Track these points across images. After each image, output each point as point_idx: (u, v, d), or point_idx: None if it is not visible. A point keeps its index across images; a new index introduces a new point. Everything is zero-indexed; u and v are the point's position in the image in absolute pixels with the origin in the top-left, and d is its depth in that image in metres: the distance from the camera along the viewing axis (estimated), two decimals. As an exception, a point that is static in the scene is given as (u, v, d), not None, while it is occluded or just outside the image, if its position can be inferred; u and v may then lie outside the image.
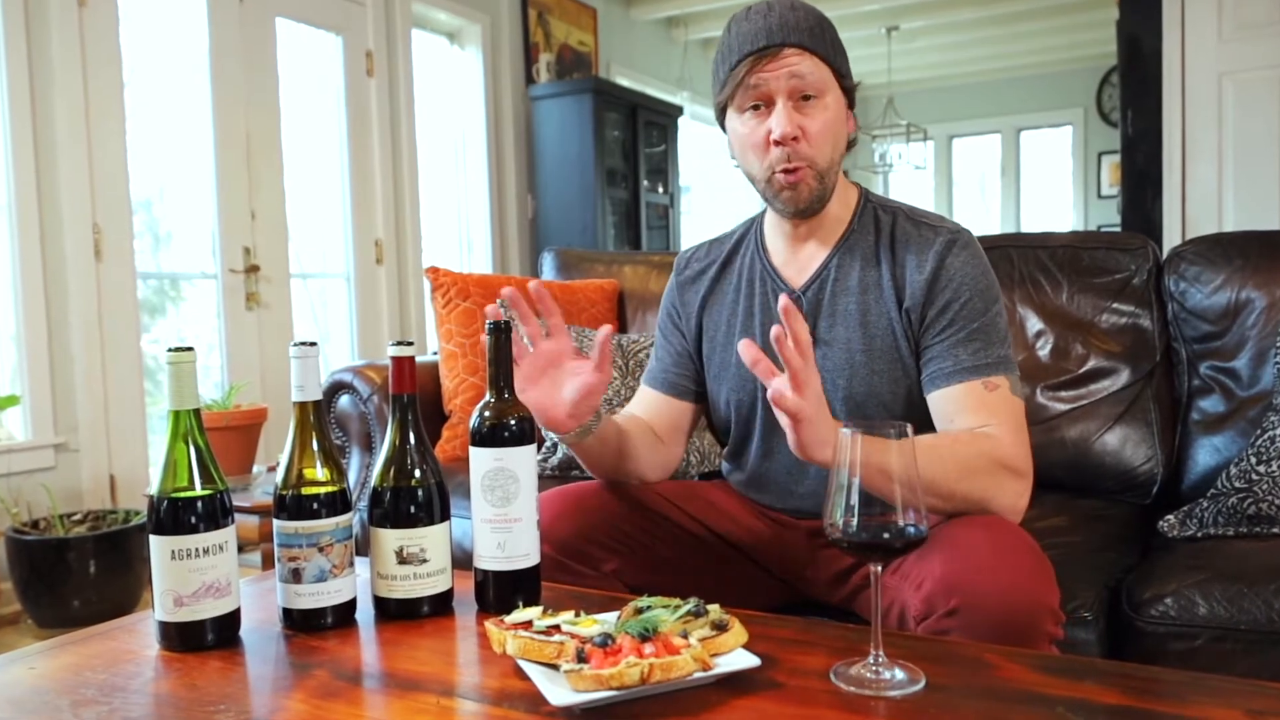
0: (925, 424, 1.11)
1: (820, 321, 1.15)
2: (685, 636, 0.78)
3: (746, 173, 1.16)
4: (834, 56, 1.11)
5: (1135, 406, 1.57)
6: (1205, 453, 1.52)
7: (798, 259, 1.19)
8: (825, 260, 1.16)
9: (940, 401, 1.08)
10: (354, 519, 0.97)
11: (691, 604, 0.83)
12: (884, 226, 1.15)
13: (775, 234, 1.21)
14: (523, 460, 0.95)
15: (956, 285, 1.09)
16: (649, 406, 1.29)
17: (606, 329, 1.04)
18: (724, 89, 1.12)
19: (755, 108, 1.11)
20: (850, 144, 1.17)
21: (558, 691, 0.73)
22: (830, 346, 1.14)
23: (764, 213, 1.24)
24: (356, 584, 0.96)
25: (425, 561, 0.94)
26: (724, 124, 1.18)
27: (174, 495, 0.88)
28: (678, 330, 1.28)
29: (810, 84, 1.09)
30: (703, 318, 1.26)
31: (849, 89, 1.14)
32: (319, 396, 0.95)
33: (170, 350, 0.88)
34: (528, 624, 0.83)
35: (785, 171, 1.10)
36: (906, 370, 1.12)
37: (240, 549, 2.17)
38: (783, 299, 0.90)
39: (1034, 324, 1.66)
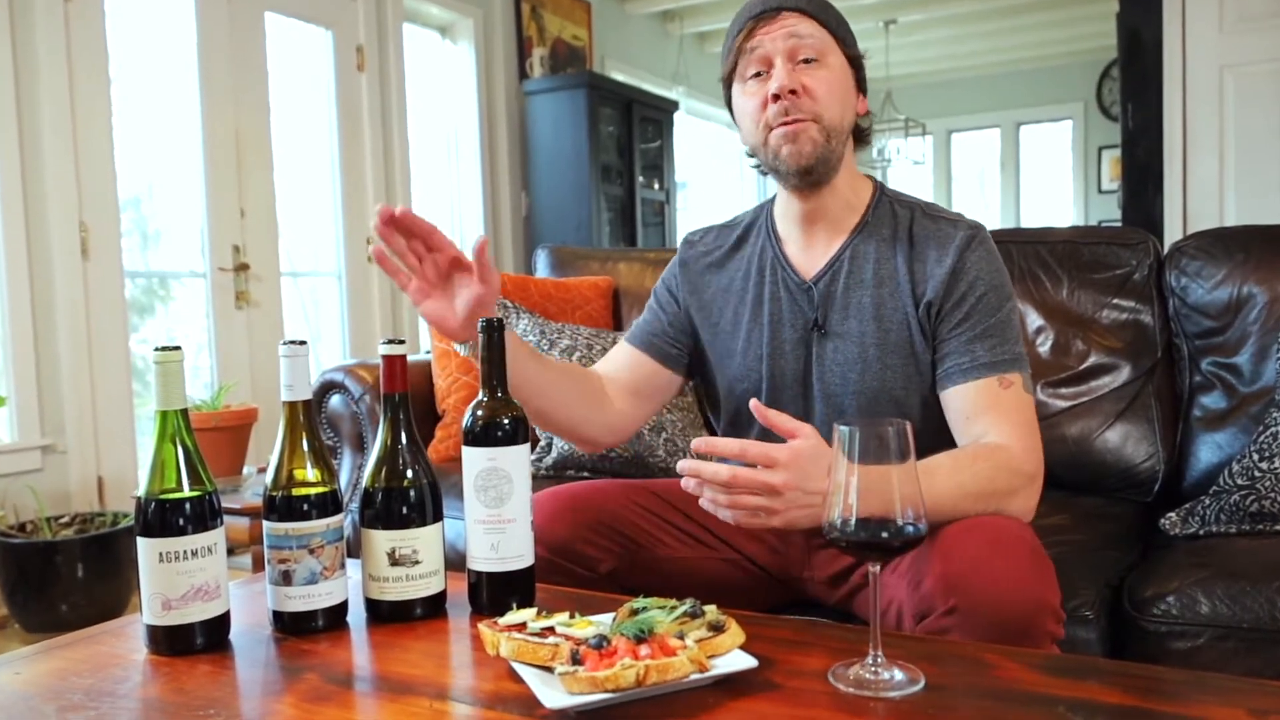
0: (939, 421, 1.11)
1: (832, 314, 1.14)
2: (681, 638, 0.77)
3: (751, 146, 1.16)
4: (835, 25, 1.12)
5: (1136, 403, 1.57)
6: (1207, 449, 1.51)
7: (810, 248, 1.17)
8: (839, 251, 1.15)
9: (955, 399, 1.08)
10: (345, 520, 0.96)
11: (688, 605, 0.82)
12: (901, 220, 1.15)
13: (786, 220, 1.19)
14: (516, 460, 0.94)
15: (973, 279, 1.09)
16: (621, 362, 1.25)
17: (483, 238, 1.05)
18: (727, 60, 1.14)
19: (757, 75, 1.11)
20: (863, 132, 1.17)
21: (552, 694, 0.73)
22: (843, 339, 1.13)
23: (775, 198, 1.23)
24: (348, 586, 0.95)
25: (418, 563, 0.94)
26: (732, 105, 1.18)
27: (162, 497, 0.87)
28: (674, 301, 1.27)
29: (809, 45, 1.09)
30: (705, 300, 1.24)
31: (853, 58, 1.14)
32: (309, 396, 0.94)
33: (157, 349, 0.87)
34: (522, 626, 0.82)
35: (783, 123, 1.09)
36: (920, 367, 1.11)
37: (230, 551, 2.15)
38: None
39: (1034, 320, 1.65)
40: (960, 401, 1.07)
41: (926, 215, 1.15)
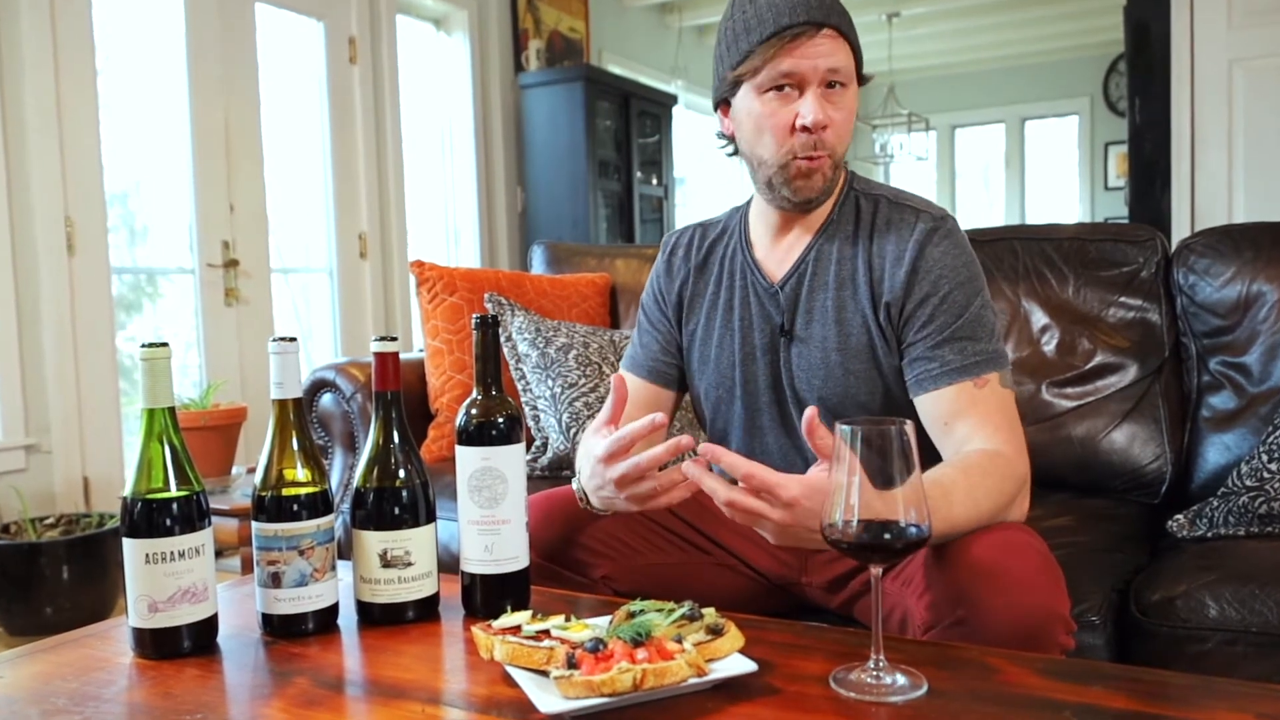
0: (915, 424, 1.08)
1: (798, 318, 1.12)
2: (679, 641, 0.76)
3: (752, 155, 1.10)
4: (856, 45, 1.08)
5: (1143, 403, 1.56)
6: (1215, 450, 1.50)
7: (778, 250, 1.15)
8: (803, 253, 1.13)
9: (930, 405, 1.05)
10: (336, 521, 0.94)
11: (686, 608, 0.81)
12: (864, 215, 1.11)
13: (760, 224, 1.17)
14: (511, 460, 0.93)
15: (935, 278, 1.05)
16: (632, 394, 1.24)
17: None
18: (745, 62, 1.05)
19: (779, 88, 1.05)
20: None
21: (547, 699, 0.72)
22: (806, 344, 1.11)
23: (749, 203, 1.21)
24: (339, 588, 0.94)
25: (410, 565, 0.93)
26: (726, 99, 1.11)
27: (148, 496, 0.86)
28: (665, 317, 1.25)
29: (841, 72, 1.04)
30: (685, 307, 1.23)
31: (863, 80, 1.10)
32: (299, 394, 0.93)
33: (144, 346, 0.86)
34: (516, 629, 0.81)
35: (806, 159, 1.06)
36: (882, 372, 1.08)
37: (219, 553, 2.13)
38: (808, 412, 0.84)
39: (1039, 318, 1.64)
40: (934, 408, 1.04)
41: (892, 205, 1.11)
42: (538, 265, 2.23)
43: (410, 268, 1.96)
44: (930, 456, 0.99)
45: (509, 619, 0.83)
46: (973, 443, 1.01)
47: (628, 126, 4.48)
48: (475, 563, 0.93)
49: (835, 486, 0.74)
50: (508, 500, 0.93)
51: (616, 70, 4.86)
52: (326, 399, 1.84)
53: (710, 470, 0.89)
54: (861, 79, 1.09)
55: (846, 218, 1.12)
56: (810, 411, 0.84)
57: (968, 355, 1.03)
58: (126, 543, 0.86)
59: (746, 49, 1.05)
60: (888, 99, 6.27)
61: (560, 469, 1.77)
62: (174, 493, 0.86)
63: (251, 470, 2.28)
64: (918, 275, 1.05)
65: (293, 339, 0.92)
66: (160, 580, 0.84)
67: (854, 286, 1.09)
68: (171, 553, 0.85)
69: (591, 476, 1.00)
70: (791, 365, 1.12)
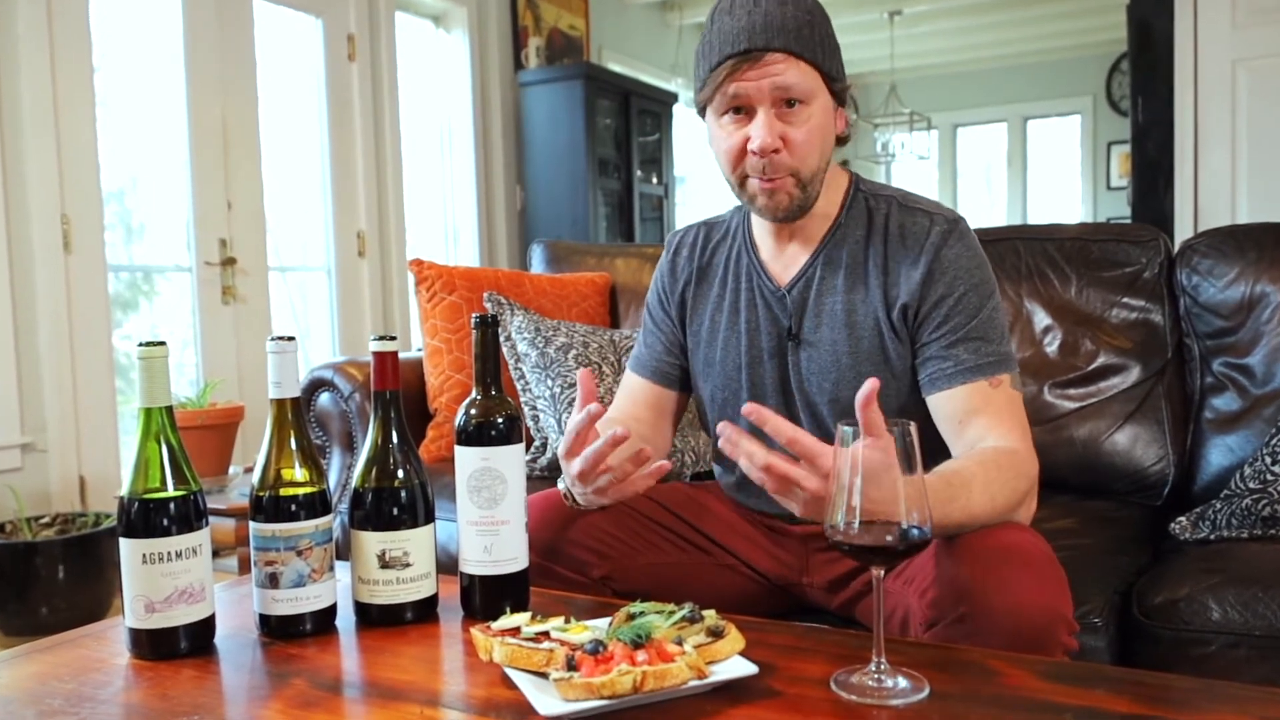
0: (921, 425, 1.08)
1: (805, 321, 1.12)
2: (680, 643, 0.76)
3: (725, 179, 1.12)
4: (824, 59, 1.04)
5: (1146, 405, 1.55)
6: (1218, 452, 1.50)
7: (785, 254, 1.15)
8: (811, 257, 1.13)
9: (943, 403, 1.05)
10: (334, 521, 0.94)
11: (686, 609, 0.81)
12: (876, 219, 1.11)
13: (763, 227, 1.18)
14: (510, 460, 0.93)
15: (951, 279, 1.06)
16: (636, 395, 1.26)
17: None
18: (702, 89, 1.07)
19: (736, 110, 1.05)
20: (842, 141, 1.13)
21: (547, 701, 0.72)
22: (815, 348, 1.11)
23: None
24: (337, 589, 0.94)
25: (408, 565, 0.92)
26: (707, 125, 1.13)
27: (145, 496, 0.86)
28: (668, 317, 1.26)
29: (795, 92, 1.02)
30: (689, 308, 1.23)
31: (839, 91, 1.08)
32: (297, 393, 0.93)
33: (141, 345, 0.86)
34: (515, 630, 0.81)
35: (760, 178, 1.06)
36: (895, 374, 1.08)
37: (216, 553, 2.13)
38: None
39: (1041, 319, 1.63)
40: (949, 406, 1.04)
41: (903, 208, 1.11)
42: (537, 264, 2.23)
43: (409, 266, 1.95)
44: (933, 458, 0.99)
45: (508, 620, 0.82)
46: (986, 441, 1.01)
47: (628, 125, 4.47)
48: (474, 564, 0.93)
49: (837, 488, 0.74)
50: (507, 501, 0.92)
51: (616, 68, 4.85)
52: (325, 398, 1.83)
53: (750, 434, 0.85)
54: (837, 93, 1.07)
55: (856, 221, 1.12)
56: (871, 383, 0.78)
57: (982, 355, 1.04)
58: (123, 543, 0.85)
59: (703, 76, 1.07)
60: (889, 98, 6.26)
61: (560, 469, 1.76)
62: (171, 492, 0.86)
63: (249, 470, 2.27)
64: (934, 277, 1.06)
65: (291, 338, 0.92)
66: (157, 580, 0.84)
67: (866, 289, 1.09)
68: (168, 553, 0.84)
69: (564, 475, 1.03)
70: (800, 368, 1.13)
